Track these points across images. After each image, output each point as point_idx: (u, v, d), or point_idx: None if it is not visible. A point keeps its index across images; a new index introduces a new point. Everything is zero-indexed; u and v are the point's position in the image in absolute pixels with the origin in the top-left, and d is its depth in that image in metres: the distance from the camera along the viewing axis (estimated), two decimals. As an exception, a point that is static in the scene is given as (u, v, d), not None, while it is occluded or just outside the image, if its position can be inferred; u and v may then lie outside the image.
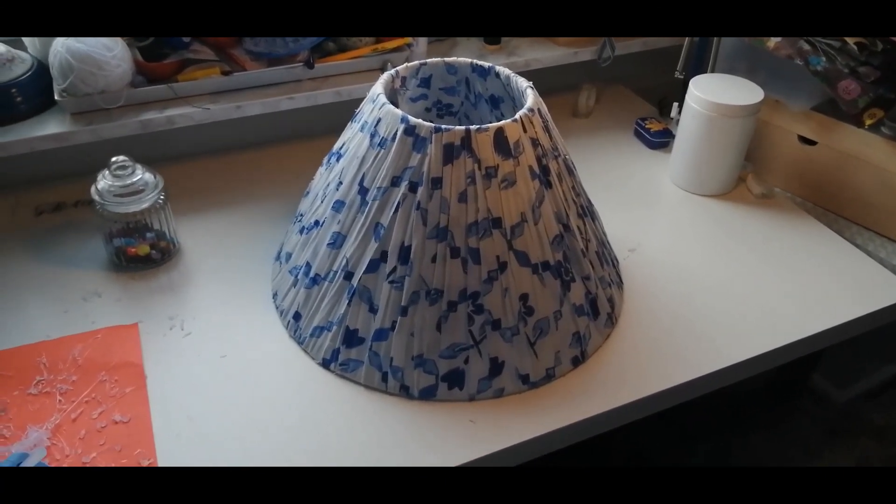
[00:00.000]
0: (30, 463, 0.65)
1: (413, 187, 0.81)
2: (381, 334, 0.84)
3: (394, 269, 0.82)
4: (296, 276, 0.91)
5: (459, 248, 0.81)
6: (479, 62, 0.95)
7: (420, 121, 0.80)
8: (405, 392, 0.84)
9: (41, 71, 1.08)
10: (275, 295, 0.96)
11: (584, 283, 0.90)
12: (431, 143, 0.79)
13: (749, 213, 1.16)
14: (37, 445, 0.76)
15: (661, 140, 1.30)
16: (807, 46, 1.12)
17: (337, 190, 0.87)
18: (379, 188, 0.82)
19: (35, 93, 1.07)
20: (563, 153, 0.90)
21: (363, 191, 0.84)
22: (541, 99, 0.88)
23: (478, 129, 0.79)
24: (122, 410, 0.81)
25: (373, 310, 0.84)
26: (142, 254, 1.00)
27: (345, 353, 0.86)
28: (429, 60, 0.96)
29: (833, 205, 1.21)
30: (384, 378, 0.85)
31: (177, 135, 1.21)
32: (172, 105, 1.10)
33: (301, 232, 0.93)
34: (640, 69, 1.50)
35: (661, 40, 1.39)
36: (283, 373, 0.87)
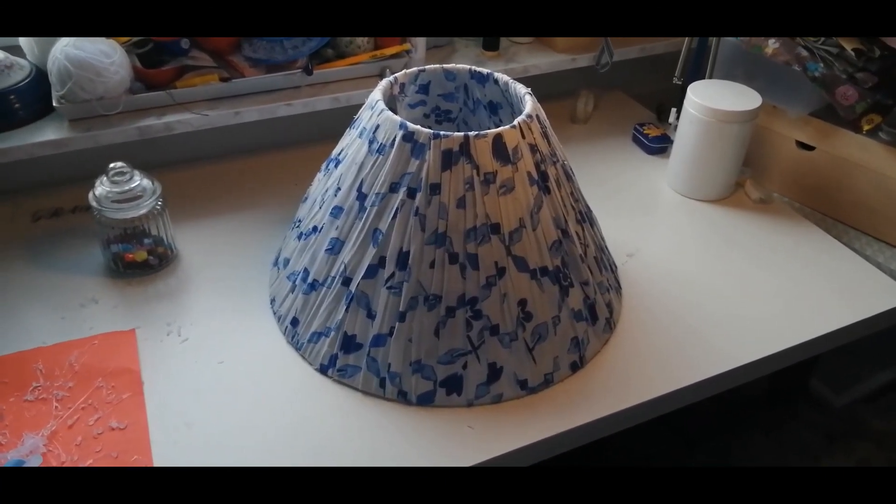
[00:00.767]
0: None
1: (411, 193, 0.81)
2: (379, 340, 0.84)
3: (392, 275, 0.82)
4: (294, 282, 0.91)
5: (458, 254, 0.81)
6: (478, 68, 0.96)
7: (418, 127, 0.80)
8: (403, 398, 0.84)
9: (39, 77, 1.08)
10: (272, 301, 0.96)
11: (583, 289, 0.90)
12: (430, 149, 0.79)
13: (747, 218, 1.17)
14: (33, 452, 0.76)
15: (660, 146, 1.31)
16: (805, 52, 1.13)
17: (335, 196, 0.87)
18: (377, 194, 0.82)
19: (33, 99, 1.07)
20: (561, 159, 0.90)
21: (361, 197, 0.84)
22: (539, 105, 0.88)
23: (476, 136, 0.79)
24: (119, 417, 0.81)
25: (371, 315, 0.84)
26: (139, 260, 0.99)
27: (343, 359, 0.86)
28: (427, 67, 0.96)
29: (831, 210, 1.21)
30: (382, 384, 0.84)
31: (175, 141, 1.21)
32: (171, 111, 1.10)
33: (299, 238, 0.93)
34: (638, 75, 1.50)
35: (658, 46, 1.39)
36: (280, 379, 0.87)
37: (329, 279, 0.86)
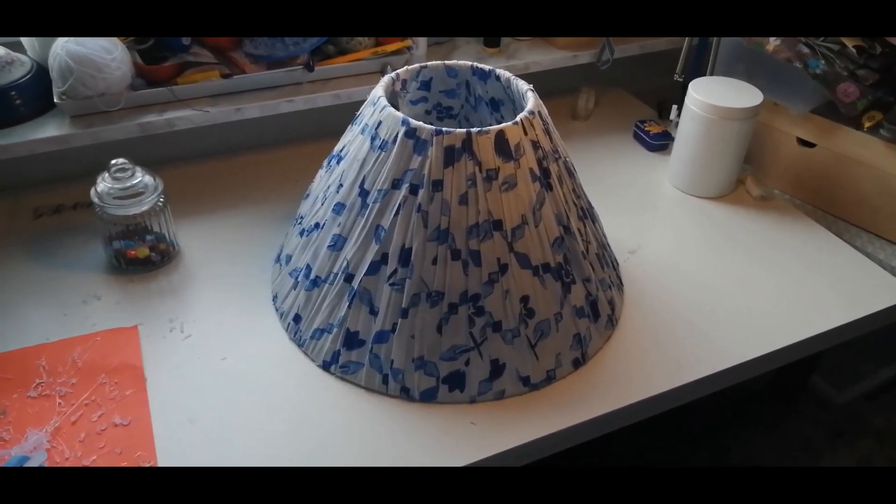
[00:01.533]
0: (30, 466, 0.65)
1: (414, 190, 0.81)
2: (381, 336, 0.84)
3: (394, 272, 0.82)
4: (296, 279, 0.91)
5: (460, 251, 0.81)
6: (480, 65, 0.96)
7: (421, 123, 0.80)
8: (406, 394, 0.84)
9: (41, 73, 1.08)
10: (275, 297, 0.96)
11: (585, 285, 0.90)
12: (432, 145, 0.79)
13: (748, 215, 1.17)
14: (37, 448, 0.76)
15: (661, 142, 1.31)
16: (806, 49, 1.13)
17: (337, 192, 0.87)
18: (380, 190, 0.82)
19: (34, 95, 1.07)
20: (563, 155, 0.90)
21: (364, 193, 0.84)
22: (541, 102, 0.88)
23: (478, 132, 0.79)
24: (123, 413, 0.81)
25: (373, 312, 0.84)
26: (141, 256, 0.99)
27: (345, 356, 0.86)
28: (429, 63, 0.96)
29: (832, 207, 1.21)
30: (385, 380, 0.85)
31: (176, 137, 1.21)
32: (172, 108, 1.09)
33: (301, 234, 0.93)
34: (639, 72, 1.50)
35: (659, 43, 1.39)
36: (283, 375, 0.87)
37: (331, 276, 0.86)
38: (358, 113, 0.90)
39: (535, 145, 0.84)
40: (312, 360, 0.88)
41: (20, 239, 1.05)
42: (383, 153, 0.82)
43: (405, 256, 0.82)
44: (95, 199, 0.95)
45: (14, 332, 0.91)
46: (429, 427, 0.82)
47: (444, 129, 0.79)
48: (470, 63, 0.96)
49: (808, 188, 1.23)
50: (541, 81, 1.05)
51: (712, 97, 1.12)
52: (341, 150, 0.90)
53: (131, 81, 1.08)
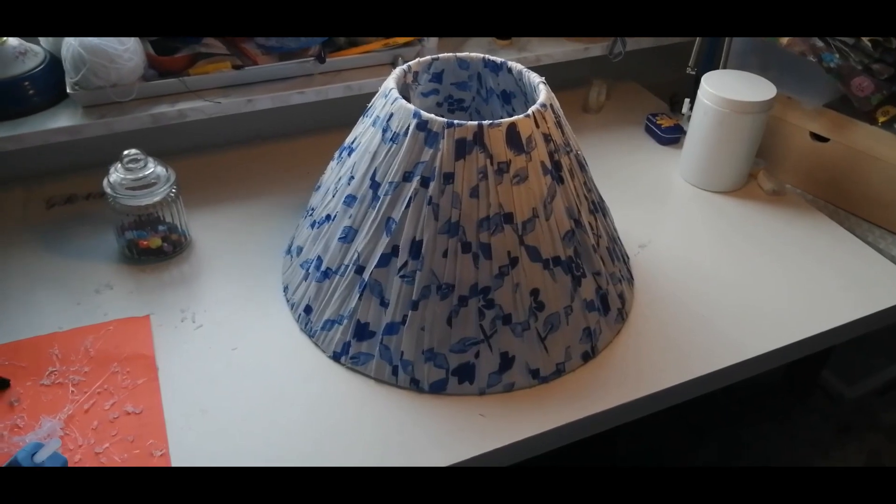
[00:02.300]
0: (45, 453, 0.66)
1: (425, 182, 0.81)
2: (391, 328, 0.84)
3: (405, 264, 0.82)
4: (307, 270, 0.92)
5: (471, 244, 0.81)
6: (492, 57, 0.95)
7: (432, 116, 0.80)
8: (415, 386, 0.85)
9: (53, 64, 1.08)
10: (286, 288, 0.96)
11: (595, 279, 0.90)
12: (443, 138, 0.79)
13: (760, 210, 1.16)
14: (51, 435, 0.77)
15: (672, 136, 1.30)
16: (820, 43, 1.12)
17: (348, 184, 0.87)
18: (391, 183, 0.82)
19: (47, 86, 1.07)
20: (574, 149, 0.90)
21: (375, 185, 0.84)
22: (553, 94, 0.87)
23: (490, 125, 0.79)
24: (135, 401, 0.82)
25: (384, 304, 0.84)
26: (153, 247, 1.00)
27: (355, 347, 0.86)
28: (441, 55, 0.96)
29: (844, 202, 1.20)
30: (394, 372, 0.85)
31: (188, 128, 1.21)
32: (184, 99, 1.10)
33: (312, 226, 0.93)
34: (651, 65, 1.49)
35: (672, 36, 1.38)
36: (293, 366, 0.87)
37: (342, 267, 0.87)
38: (369, 105, 0.90)
39: (547, 138, 0.84)
40: (323, 351, 0.89)
41: (33, 229, 1.06)
42: (394, 145, 0.82)
43: (416, 249, 0.82)
44: (108, 190, 0.95)
45: (27, 320, 0.91)
46: (438, 419, 0.82)
47: (455, 121, 0.79)
48: (482, 55, 0.96)
49: (820, 183, 1.22)
50: (552, 74, 1.04)
51: (725, 91, 1.11)
52: (352, 142, 0.90)
53: (143, 72, 1.08)
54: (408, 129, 0.81)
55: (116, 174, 0.95)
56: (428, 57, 0.95)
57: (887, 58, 1.09)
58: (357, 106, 0.99)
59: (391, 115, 0.83)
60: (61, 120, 1.05)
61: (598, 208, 0.94)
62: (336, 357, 0.88)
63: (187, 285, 0.98)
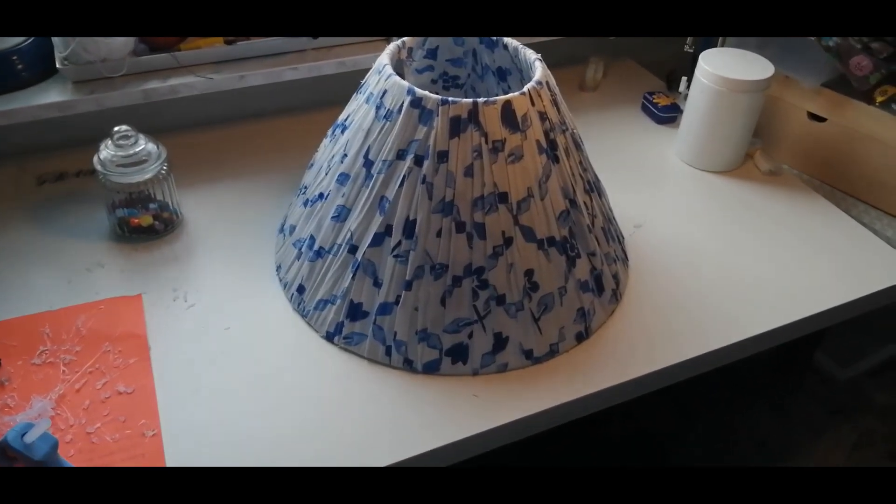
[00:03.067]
0: (35, 433, 0.65)
1: (419, 161, 0.80)
2: (385, 308, 0.84)
3: (399, 244, 0.82)
4: (300, 249, 0.91)
5: (465, 223, 0.81)
6: (487, 34, 0.94)
7: (427, 93, 0.79)
8: (409, 366, 0.84)
9: (42, 38, 1.06)
10: (278, 267, 0.96)
11: (590, 260, 0.89)
12: (438, 115, 0.78)
13: (756, 190, 1.16)
14: (41, 415, 0.76)
15: (669, 115, 1.29)
16: (819, 21, 1.11)
17: (342, 162, 0.86)
18: (384, 161, 0.81)
19: (36, 60, 1.05)
20: (570, 127, 0.89)
21: (368, 164, 0.83)
22: (549, 72, 0.86)
23: (485, 102, 0.78)
24: (126, 381, 0.81)
25: (377, 284, 0.84)
26: (145, 224, 0.99)
27: (349, 327, 0.86)
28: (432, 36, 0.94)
29: (841, 183, 1.20)
30: (388, 352, 0.85)
31: (180, 104, 1.19)
32: (175, 74, 1.08)
33: (305, 204, 0.92)
34: (648, 43, 1.48)
35: (670, 13, 1.36)
36: (286, 346, 0.87)
37: (335, 247, 0.86)
38: (363, 81, 0.89)
39: (543, 116, 0.83)
40: (316, 331, 0.88)
41: (23, 206, 1.05)
42: (388, 123, 0.81)
43: (409, 228, 0.81)
44: (98, 167, 0.94)
45: (18, 299, 0.91)
46: (431, 399, 0.82)
47: (450, 98, 0.78)
48: (477, 32, 0.94)
49: (817, 163, 1.21)
50: (548, 51, 1.03)
51: (723, 69, 1.10)
52: (346, 120, 0.89)
53: (134, 47, 1.06)
54: (402, 106, 0.80)
55: (107, 151, 0.94)
56: (422, 33, 0.94)
57: (886, 36, 1.08)
58: (351, 82, 0.97)
59: (385, 91, 0.82)
60: (51, 95, 1.04)
61: (594, 188, 0.93)
62: (329, 337, 0.87)
63: (179, 264, 0.97)
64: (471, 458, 0.81)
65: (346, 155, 0.86)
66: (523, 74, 0.91)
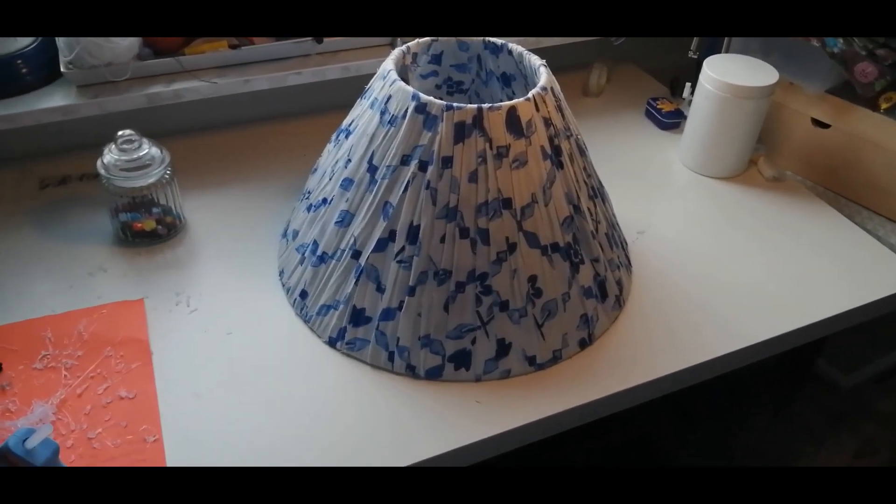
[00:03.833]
0: (36, 438, 0.65)
1: (423, 166, 0.80)
2: (388, 314, 0.83)
3: (402, 249, 0.81)
4: (303, 254, 0.91)
5: (469, 229, 0.80)
6: (492, 39, 0.94)
7: (431, 98, 0.79)
8: (411, 372, 0.84)
9: (47, 42, 1.06)
10: (281, 272, 0.95)
11: (593, 266, 0.89)
12: (442, 121, 0.78)
13: (760, 196, 1.15)
14: (42, 420, 0.76)
15: (673, 121, 1.29)
16: (824, 28, 1.10)
17: (345, 167, 0.86)
18: (388, 166, 0.81)
19: (41, 64, 1.05)
20: (575, 133, 0.89)
21: (372, 169, 0.83)
22: (554, 77, 0.86)
23: (490, 108, 0.78)
24: (128, 386, 0.81)
25: (380, 289, 0.83)
26: (148, 229, 0.99)
27: (351, 332, 0.85)
28: (440, 37, 0.94)
29: (845, 189, 1.19)
30: (390, 357, 0.84)
31: (184, 109, 1.19)
32: (179, 78, 1.08)
33: (308, 209, 0.92)
34: (652, 48, 1.48)
35: (674, 19, 1.36)
36: (288, 351, 0.87)
37: (338, 252, 0.86)
38: (367, 86, 0.89)
39: (547, 122, 0.83)
40: (318, 337, 0.88)
41: (26, 210, 1.05)
42: (392, 128, 0.81)
43: (413, 234, 0.81)
44: (102, 171, 0.94)
45: (20, 303, 0.90)
46: (434, 405, 0.82)
47: (454, 104, 0.78)
48: (482, 37, 0.94)
49: (821, 170, 1.21)
50: (552, 56, 1.03)
51: (727, 75, 1.10)
52: (350, 125, 0.89)
53: (138, 51, 1.06)
54: (406, 111, 0.80)
55: (110, 155, 0.94)
56: (427, 38, 0.94)
57: (892, 43, 1.08)
58: (355, 87, 0.97)
59: (389, 97, 0.82)
60: (55, 99, 1.04)
61: (598, 194, 0.93)
62: (332, 343, 0.87)
63: (182, 268, 0.97)
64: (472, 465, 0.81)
65: (349, 160, 0.86)
66: (528, 80, 0.91)
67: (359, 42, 1.17)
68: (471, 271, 0.81)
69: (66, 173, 1.11)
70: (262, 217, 1.05)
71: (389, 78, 0.83)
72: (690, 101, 1.19)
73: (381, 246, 0.82)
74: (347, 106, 0.93)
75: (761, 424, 1.24)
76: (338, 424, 0.79)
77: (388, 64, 0.86)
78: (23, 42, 1.05)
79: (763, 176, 1.19)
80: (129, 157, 0.94)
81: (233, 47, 1.10)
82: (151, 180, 0.95)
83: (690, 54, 1.30)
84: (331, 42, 1.15)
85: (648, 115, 1.33)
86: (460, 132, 0.78)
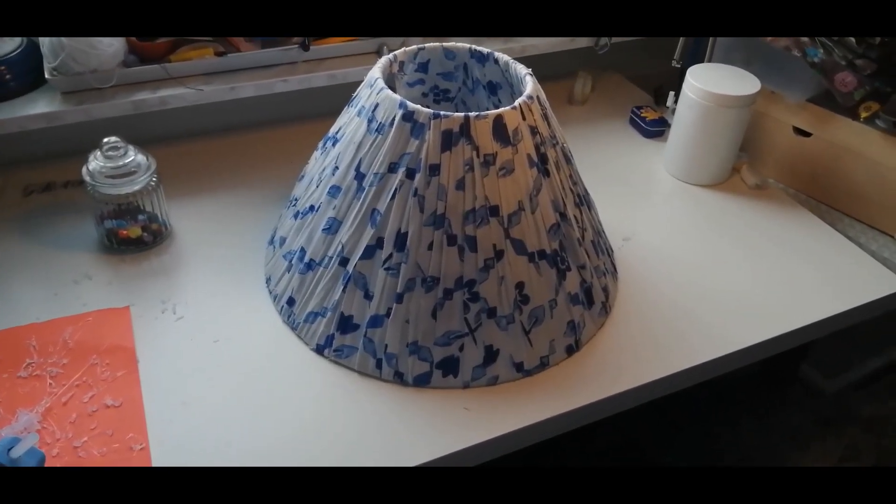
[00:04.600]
0: (21, 448, 0.64)
1: (410, 174, 0.80)
2: (375, 321, 0.84)
3: (390, 256, 0.82)
4: (290, 262, 0.91)
5: (456, 236, 0.81)
6: (478, 48, 0.95)
7: (419, 107, 0.79)
8: (399, 379, 0.84)
9: (31, 48, 1.06)
10: (268, 280, 0.95)
11: (580, 272, 0.90)
12: (430, 129, 0.79)
13: (743, 203, 1.17)
14: (27, 429, 0.75)
15: (657, 129, 1.30)
16: (804, 38, 1.12)
17: (333, 175, 0.86)
18: (376, 174, 0.81)
19: (25, 70, 1.05)
20: (560, 141, 0.89)
21: (360, 176, 0.83)
22: (539, 86, 0.87)
23: (477, 116, 0.79)
24: (114, 394, 0.81)
25: (368, 296, 0.84)
26: (133, 236, 0.98)
27: (339, 340, 0.85)
28: (427, 45, 0.95)
29: (826, 197, 1.21)
30: (378, 365, 0.84)
31: (170, 116, 1.19)
32: (165, 85, 1.08)
33: (295, 217, 0.92)
34: (636, 57, 1.49)
35: (658, 28, 1.38)
36: (276, 358, 0.86)
37: (326, 259, 0.86)
38: (354, 94, 0.89)
39: (534, 130, 0.83)
40: (306, 344, 0.88)
41: (10, 217, 1.04)
42: (380, 136, 0.81)
43: (401, 241, 0.81)
44: (87, 178, 0.94)
45: (3, 311, 0.90)
46: (422, 412, 0.82)
47: (441, 112, 0.78)
48: (468, 45, 0.95)
49: (802, 178, 1.23)
50: (537, 65, 1.04)
51: (710, 84, 1.11)
52: (337, 132, 0.89)
53: (124, 58, 1.06)
54: (393, 119, 0.80)
55: (96, 162, 0.93)
56: (414, 46, 0.94)
57: (870, 53, 1.10)
58: (341, 95, 0.98)
59: (377, 105, 0.82)
60: (39, 106, 1.03)
61: (584, 201, 0.94)
62: (319, 350, 0.87)
63: (168, 276, 0.96)
64: (461, 472, 0.81)
65: (337, 167, 0.86)
66: (514, 89, 0.92)
67: (345, 50, 1.17)
68: (458, 278, 0.82)
69: (50, 180, 1.10)
70: (249, 224, 1.05)
71: (377, 86, 0.84)
72: (674, 110, 1.20)
73: (369, 253, 0.83)
74: (334, 113, 0.93)
75: (746, 430, 1.25)
76: (326, 432, 0.79)
77: (376, 72, 0.87)
78: (7, 48, 1.04)
79: (746, 184, 1.21)
80: (115, 164, 0.93)
81: (219, 54, 1.10)
82: (137, 187, 0.95)
83: (674, 63, 1.32)
84: (317, 49, 1.15)
85: (633, 123, 1.34)
86: (447, 140, 0.79)
